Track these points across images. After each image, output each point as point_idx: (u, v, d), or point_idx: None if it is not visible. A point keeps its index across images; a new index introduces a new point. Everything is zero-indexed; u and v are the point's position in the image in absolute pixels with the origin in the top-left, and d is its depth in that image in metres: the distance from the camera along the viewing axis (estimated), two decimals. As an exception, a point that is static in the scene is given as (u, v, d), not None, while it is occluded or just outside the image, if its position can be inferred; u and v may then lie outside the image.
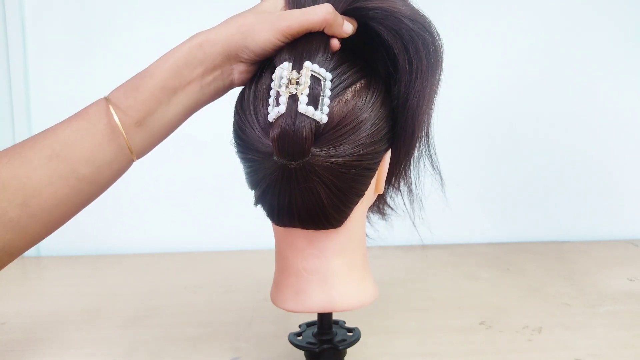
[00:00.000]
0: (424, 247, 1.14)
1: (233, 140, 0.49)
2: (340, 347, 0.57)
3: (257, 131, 0.45)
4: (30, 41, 1.10)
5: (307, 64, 0.43)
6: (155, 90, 0.46)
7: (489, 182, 1.19)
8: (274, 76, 0.44)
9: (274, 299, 0.53)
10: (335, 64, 0.45)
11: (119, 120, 0.45)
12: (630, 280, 0.94)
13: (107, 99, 0.46)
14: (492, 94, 1.16)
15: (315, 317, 0.61)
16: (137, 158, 0.49)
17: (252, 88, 0.47)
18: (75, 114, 0.47)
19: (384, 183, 0.52)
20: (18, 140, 1.10)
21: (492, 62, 1.15)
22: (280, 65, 0.44)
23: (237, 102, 0.49)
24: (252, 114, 0.46)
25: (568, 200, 1.20)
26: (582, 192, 1.20)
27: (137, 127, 0.46)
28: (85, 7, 1.11)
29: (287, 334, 0.60)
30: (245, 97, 0.48)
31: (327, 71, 0.44)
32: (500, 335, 0.72)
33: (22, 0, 1.09)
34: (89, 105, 0.47)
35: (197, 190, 1.15)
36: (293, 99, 0.42)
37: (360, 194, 0.48)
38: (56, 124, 0.46)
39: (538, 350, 0.68)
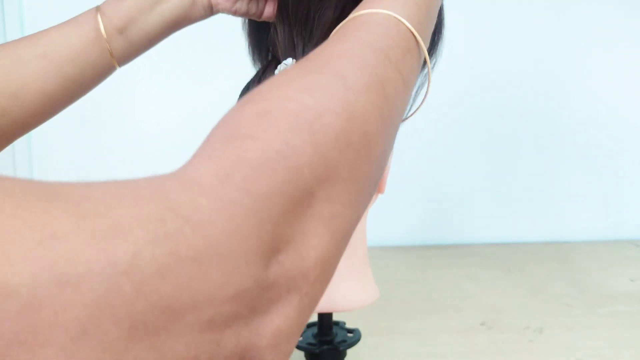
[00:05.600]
0: (424, 247, 1.14)
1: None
2: (341, 348, 0.56)
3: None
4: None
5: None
6: None
7: (490, 183, 1.19)
8: (276, 72, 0.44)
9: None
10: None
11: (103, 25, 0.48)
12: (632, 280, 0.93)
13: (97, 7, 0.49)
14: (492, 92, 1.16)
15: (315, 318, 0.61)
16: (119, 65, 0.51)
17: (255, 83, 0.47)
18: (69, 19, 0.50)
19: (385, 182, 0.52)
20: (17, 141, 1.10)
21: (492, 61, 1.15)
22: (284, 62, 0.44)
23: (239, 97, 0.49)
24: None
25: (569, 201, 1.20)
26: (584, 192, 1.20)
27: (118, 34, 0.48)
28: (85, 7, 1.11)
29: (287, 335, 0.60)
30: (248, 92, 0.48)
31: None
32: (501, 336, 0.72)
33: (21, 1, 1.09)
34: (82, 13, 0.50)
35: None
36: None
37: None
38: (50, 27, 0.49)
39: (539, 351, 0.67)
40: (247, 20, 0.52)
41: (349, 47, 0.29)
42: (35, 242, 0.17)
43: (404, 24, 0.31)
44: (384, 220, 1.14)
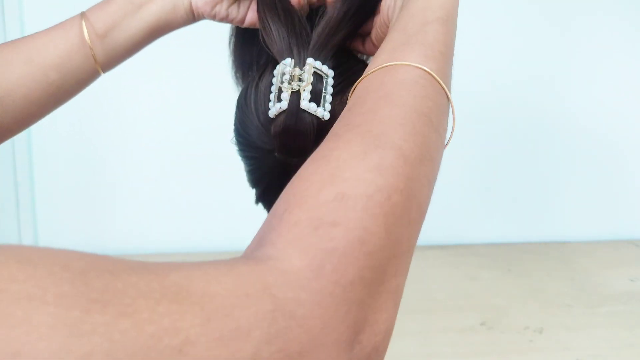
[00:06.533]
0: (424, 247, 1.14)
1: (234, 138, 0.49)
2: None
3: (258, 128, 0.44)
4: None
5: (310, 60, 0.43)
6: (122, 2, 0.49)
7: (490, 183, 1.19)
8: (275, 72, 0.44)
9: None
10: (337, 61, 0.45)
11: (87, 30, 0.48)
12: (631, 280, 0.93)
13: (82, 12, 0.50)
14: (492, 93, 1.16)
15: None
16: (103, 71, 0.51)
17: (254, 84, 0.47)
18: (56, 24, 0.50)
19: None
20: (17, 141, 1.09)
21: (491, 61, 1.15)
22: (283, 62, 0.44)
23: (238, 99, 0.49)
24: (253, 110, 0.45)
25: (569, 201, 1.20)
26: (584, 193, 1.20)
27: (101, 38, 0.49)
28: (84, 7, 1.11)
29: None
30: (247, 93, 0.47)
31: (329, 68, 0.44)
32: (501, 335, 0.72)
33: (21, 1, 1.09)
34: (69, 18, 0.50)
35: (197, 191, 1.14)
36: (295, 95, 0.42)
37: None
38: (37, 32, 0.50)
39: (539, 350, 0.67)
40: (232, 37, 0.52)
41: (397, 113, 0.30)
42: (172, 349, 0.19)
43: (437, 81, 0.32)
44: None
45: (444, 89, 0.33)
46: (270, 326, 0.21)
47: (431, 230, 1.18)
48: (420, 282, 0.94)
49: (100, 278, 0.20)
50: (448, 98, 0.33)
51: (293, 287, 0.23)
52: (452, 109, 0.35)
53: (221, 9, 0.50)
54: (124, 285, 0.20)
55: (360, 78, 0.35)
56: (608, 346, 0.68)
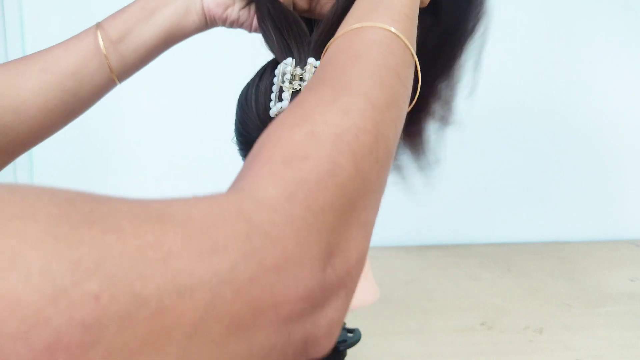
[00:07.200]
0: (424, 247, 1.14)
1: (235, 138, 0.49)
2: (341, 348, 0.56)
3: (258, 127, 0.45)
4: (29, 42, 1.10)
5: (311, 60, 0.43)
6: (135, 9, 0.50)
7: (489, 182, 1.19)
8: (276, 72, 0.44)
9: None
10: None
11: (101, 37, 0.49)
12: (632, 280, 0.94)
13: (97, 23, 0.50)
14: (491, 93, 1.16)
15: (315, 318, 0.61)
16: (119, 79, 0.51)
17: (255, 84, 0.47)
18: (71, 37, 0.51)
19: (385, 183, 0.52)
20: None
21: (490, 62, 1.15)
22: (284, 62, 0.44)
23: (239, 98, 0.49)
24: (254, 110, 0.46)
25: (569, 201, 1.20)
26: (584, 192, 1.20)
27: (115, 45, 0.49)
28: (84, 8, 1.11)
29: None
30: (248, 93, 0.48)
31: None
32: (501, 336, 0.72)
33: (21, 1, 1.09)
34: (84, 30, 0.51)
35: (198, 191, 1.14)
36: (296, 94, 0.42)
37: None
38: (52, 45, 0.50)
39: (539, 350, 0.67)
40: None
41: (366, 67, 0.33)
42: (157, 260, 0.21)
43: (403, 41, 0.36)
44: (384, 220, 1.14)
45: (408, 48, 0.36)
46: (246, 244, 0.23)
47: (431, 230, 1.19)
48: (420, 282, 0.94)
49: (86, 204, 0.21)
50: (413, 56, 0.36)
51: (267, 211, 0.25)
52: (418, 68, 0.38)
53: (232, 12, 0.51)
54: (108, 209, 0.21)
55: (331, 41, 0.37)
56: (608, 346, 0.68)
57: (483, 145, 1.17)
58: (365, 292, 0.53)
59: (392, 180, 0.57)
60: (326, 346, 0.27)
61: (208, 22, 0.52)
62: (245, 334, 0.23)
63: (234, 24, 0.52)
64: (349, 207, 0.28)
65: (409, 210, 1.18)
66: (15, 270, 0.18)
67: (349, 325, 0.62)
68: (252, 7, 0.51)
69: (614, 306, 0.82)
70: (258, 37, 0.54)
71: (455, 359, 0.65)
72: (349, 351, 0.60)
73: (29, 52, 1.10)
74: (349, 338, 0.58)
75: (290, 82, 0.42)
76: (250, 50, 0.51)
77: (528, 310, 0.80)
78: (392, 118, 0.32)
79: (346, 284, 0.27)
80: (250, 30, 0.52)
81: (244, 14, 0.51)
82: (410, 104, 0.38)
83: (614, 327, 0.74)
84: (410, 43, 0.36)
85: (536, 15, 1.15)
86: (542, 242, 1.18)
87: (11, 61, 0.49)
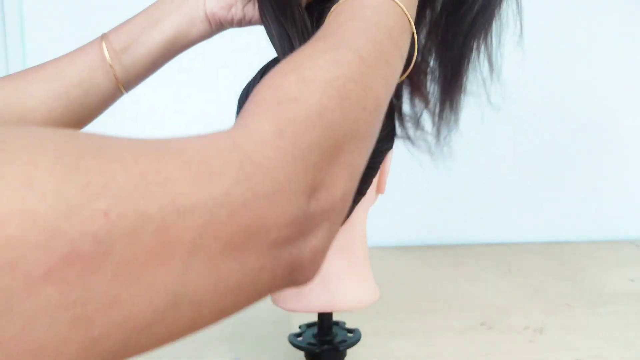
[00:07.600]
0: (424, 247, 1.14)
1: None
2: (341, 348, 0.56)
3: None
4: (29, 42, 1.10)
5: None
6: (140, 19, 0.50)
7: (490, 183, 1.19)
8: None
9: (274, 299, 0.53)
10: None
11: (106, 47, 0.49)
12: (632, 280, 0.93)
13: (103, 34, 0.50)
14: (493, 93, 1.16)
15: (315, 318, 0.61)
16: (125, 89, 0.52)
17: (256, 82, 0.47)
18: (77, 48, 0.51)
19: (385, 183, 0.52)
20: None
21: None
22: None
23: (240, 97, 0.49)
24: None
25: (569, 201, 1.20)
26: (584, 192, 1.20)
27: (120, 55, 0.50)
28: (84, 7, 1.11)
29: (287, 335, 0.60)
30: (248, 92, 0.48)
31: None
32: (501, 336, 0.72)
33: (21, 1, 1.09)
34: (90, 41, 0.51)
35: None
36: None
37: (361, 193, 0.47)
38: (59, 56, 0.51)
39: (539, 351, 0.67)
40: None
41: (360, 25, 0.35)
42: (157, 183, 0.23)
43: (400, 7, 0.38)
44: (384, 220, 1.14)
45: (406, 14, 0.38)
46: (239, 171, 0.25)
47: (431, 230, 1.19)
48: (420, 282, 0.94)
49: (89, 138, 0.23)
50: (410, 23, 0.38)
51: (259, 144, 0.27)
52: (415, 36, 0.40)
53: (237, 11, 0.50)
54: (110, 142, 0.24)
55: (333, 7, 0.39)
56: (608, 346, 0.68)
57: (483, 145, 1.17)
58: (365, 292, 0.53)
59: (392, 180, 0.57)
60: (311, 272, 0.30)
61: (214, 28, 0.51)
62: (239, 254, 0.25)
63: (242, 22, 0.51)
64: (335, 148, 0.30)
65: (409, 210, 1.18)
66: (32, 191, 0.20)
67: (349, 325, 0.62)
68: (256, 2, 0.50)
69: (614, 306, 0.82)
70: (258, 37, 0.54)
71: (455, 359, 0.65)
72: (349, 351, 0.60)
73: (29, 53, 1.11)
74: (349, 338, 0.58)
75: None
76: (250, 50, 0.51)
77: (528, 310, 0.80)
78: (382, 74, 0.34)
79: (329, 217, 0.30)
80: (257, 23, 0.51)
81: (249, 11, 0.50)
82: (405, 72, 0.41)
83: (614, 327, 0.74)
84: (408, 10, 0.38)
85: (539, 14, 1.14)
86: (542, 242, 1.18)
87: (17, 72, 0.50)
